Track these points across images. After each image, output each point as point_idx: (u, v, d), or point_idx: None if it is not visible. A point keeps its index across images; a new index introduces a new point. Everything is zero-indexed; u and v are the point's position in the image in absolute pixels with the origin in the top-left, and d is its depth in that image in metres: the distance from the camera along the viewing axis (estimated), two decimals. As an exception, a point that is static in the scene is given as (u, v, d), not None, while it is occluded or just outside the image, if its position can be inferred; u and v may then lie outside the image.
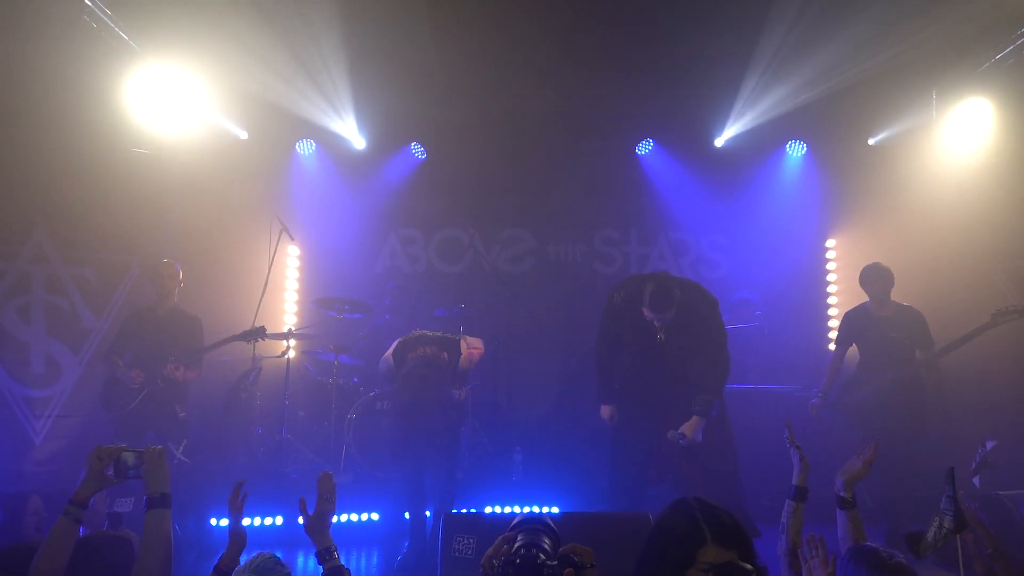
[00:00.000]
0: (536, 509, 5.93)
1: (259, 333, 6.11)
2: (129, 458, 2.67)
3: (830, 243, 8.33)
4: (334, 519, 5.69)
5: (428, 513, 5.18)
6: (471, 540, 3.84)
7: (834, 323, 8.17)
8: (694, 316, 4.91)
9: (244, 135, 7.91)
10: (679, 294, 4.79)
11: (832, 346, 7.99)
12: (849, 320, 6.12)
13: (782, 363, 7.51)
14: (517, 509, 5.93)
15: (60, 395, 6.91)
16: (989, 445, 5.30)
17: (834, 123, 7.96)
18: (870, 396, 5.81)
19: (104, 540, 2.95)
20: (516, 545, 2.25)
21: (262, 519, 5.68)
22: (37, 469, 6.60)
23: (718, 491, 4.87)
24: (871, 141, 8.03)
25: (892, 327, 5.81)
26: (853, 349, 6.15)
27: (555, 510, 5.83)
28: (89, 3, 6.19)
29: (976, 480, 5.27)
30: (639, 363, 5.04)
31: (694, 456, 4.94)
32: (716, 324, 5.01)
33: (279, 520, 5.70)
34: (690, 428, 4.81)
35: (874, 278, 5.90)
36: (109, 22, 6.48)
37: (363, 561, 5.38)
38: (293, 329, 7.17)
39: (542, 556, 2.18)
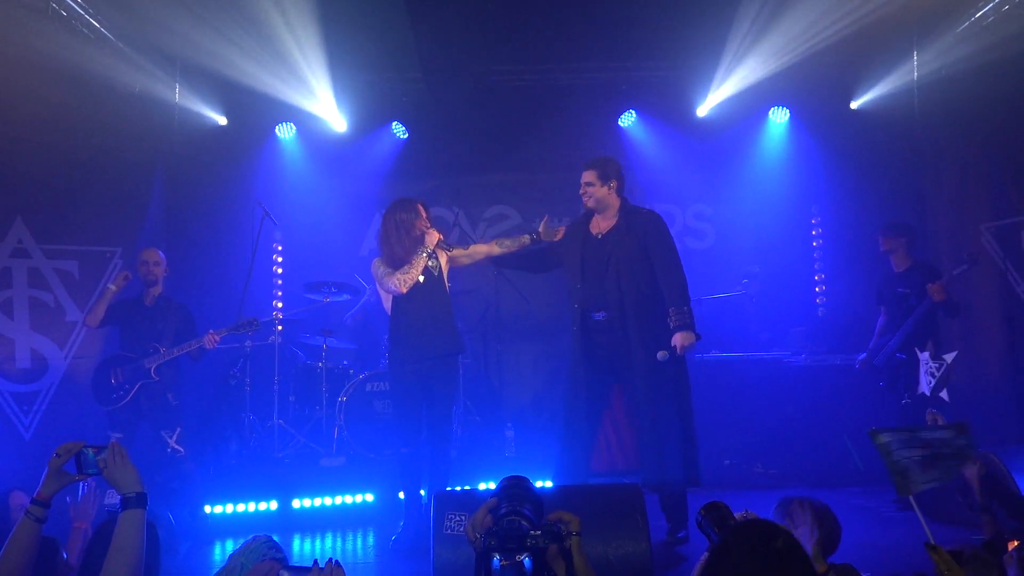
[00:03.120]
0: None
1: (251, 325, 6.01)
2: (90, 454, 2.61)
3: (815, 208, 8.30)
4: (329, 501, 5.70)
5: (423, 492, 5.17)
6: (463, 517, 3.82)
7: (820, 287, 8.19)
8: (635, 221, 4.90)
9: (223, 121, 7.83)
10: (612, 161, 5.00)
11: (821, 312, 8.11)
12: (877, 280, 6.13)
13: (771, 330, 7.52)
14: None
15: (48, 390, 6.85)
16: (950, 357, 5.22)
17: (816, 88, 7.87)
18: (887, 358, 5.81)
19: None
20: (499, 514, 2.21)
21: (256, 504, 5.67)
22: (28, 465, 6.54)
23: (677, 424, 4.75)
24: (854, 105, 7.97)
25: (902, 283, 5.79)
26: None
27: (548, 484, 5.84)
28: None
29: (944, 394, 5.17)
30: (584, 286, 4.89)
31: (653, 399, 4.72)
32: (662, 233, 4.90)
33: (273, 505, 5.70)
34: (680, 339, 4.65)
35: (891, 234, 5.88)
36: (79, 10, 6.39)
37: (359, 542, 5.39)
38: (280, 315, 7.13)
39: (525, 524, 2.14)
